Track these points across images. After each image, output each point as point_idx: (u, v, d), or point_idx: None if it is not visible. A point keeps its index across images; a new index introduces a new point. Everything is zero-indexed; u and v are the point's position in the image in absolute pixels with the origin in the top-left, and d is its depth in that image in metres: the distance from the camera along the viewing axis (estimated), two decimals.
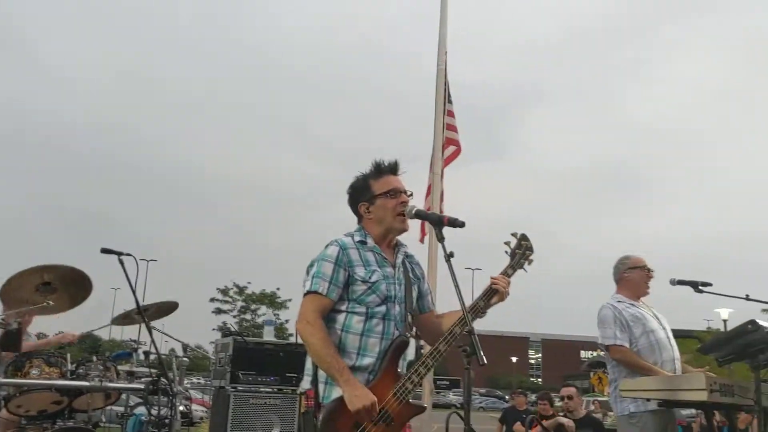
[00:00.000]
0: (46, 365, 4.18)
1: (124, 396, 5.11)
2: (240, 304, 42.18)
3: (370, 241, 2.78)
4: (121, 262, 4.47)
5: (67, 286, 4.35)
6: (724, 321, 23.68)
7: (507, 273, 2.70)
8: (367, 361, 2.61)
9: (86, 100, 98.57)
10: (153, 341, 4.50)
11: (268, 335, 6.28)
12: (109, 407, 4.69)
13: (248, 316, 41.73)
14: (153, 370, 4.49)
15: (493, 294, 2.68)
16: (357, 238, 2.78)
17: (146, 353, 4.74)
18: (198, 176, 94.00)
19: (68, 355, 4.36)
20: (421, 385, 2.82)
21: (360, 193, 2.86)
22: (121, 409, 5.24)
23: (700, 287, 3.99)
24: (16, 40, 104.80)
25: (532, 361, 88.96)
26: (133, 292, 4.49)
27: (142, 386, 4.39)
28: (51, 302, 4.25)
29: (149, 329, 4.50)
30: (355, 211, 2.89)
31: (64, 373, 4.22)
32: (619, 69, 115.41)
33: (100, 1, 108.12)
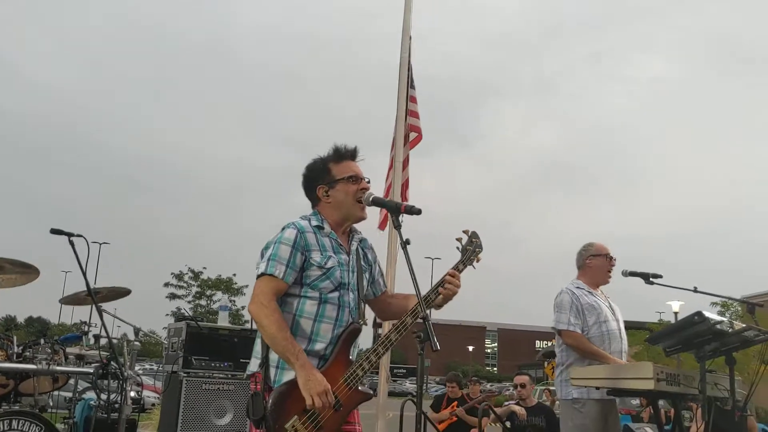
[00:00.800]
0: None
1: (72, 380, 5.01)
2: (195, 289, 41.64)
3: (326, 227, 2.75)
4: (72, 243, 4.38)
5: (15, 268, 4.24)
6: (675, 313, 24.25)
7: (458, 268, 2.70)
8: (319, 346, 2.60)
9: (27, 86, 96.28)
10: (103, 324, 4.41)
11: (223, 321, 6.20)
12: (56, 392, 4.59)
13: (203, 302, 41.24)
14: (104, 354, 4.41)
15: (443, 288, 2.64)
16: (314, 223, 2.75)
17: (96, 336, 4.63)
18: (155, 163, 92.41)
19: (14, 338, 4.25)
20: (372, 373, 2.82)
21: (318, 176, 2.80)
22: (69, 394, 5.13)
23: (650, 279, 4.07)
24: None
25: (489, 351, 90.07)
26: (84, 273, 4.40)
27: (91, 370, 4.31)
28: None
29: (99, 312, 4.42)
30: (310, 194, 2.85)
31: (10, 355, 4.12)
32: (582, 64, 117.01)
33: None
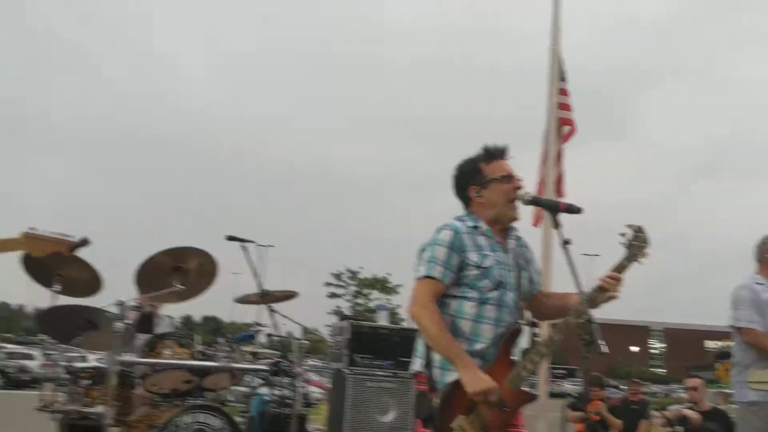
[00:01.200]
0: (178, 346, 4.45)
1: (247, 377, 5.36)
2: (353, 288, 43.10)
3: (482, 225, 2.76)
4: (244, 249, 4.71)
5: (197, 271, 4.59)
6: None
7: (622, 266, 2.58)
8: (480, 346, 2.61)
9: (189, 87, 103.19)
10: (275, 324, 4.70)
11: (383, 319, 6.38)
12: (234, 387, 4.94)
13: (361, 301, 42.57)
14: (275, 352, 4.70)
15: (601, 292, 2.55)
16: (469, 223, 2.76)
17: (268, 335, 4.94)
18: (310, 166, 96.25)
19: (198, 337, 4.62)
20: (535, 373, 2.79)
21: (469, 177, 2.81)
22: (246, 389, 5.50)
23: None
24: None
25: (654, 351, 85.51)
26: (257, 277, 4.72)
27: (265, 367, 4.60)
28: (182, 286, 4.51)
29: (271, 312, 4.70)
30: (461, 195, 2.86)
31: (194, 353, 4.48)
32: (735, 42, 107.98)
33: None
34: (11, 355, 29.58)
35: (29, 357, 28.41)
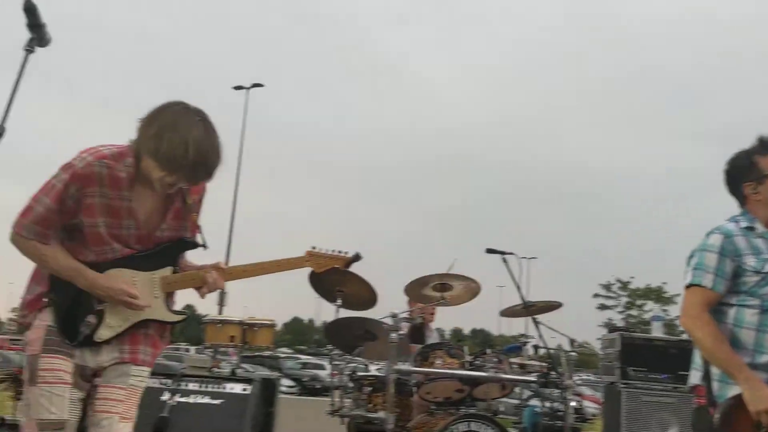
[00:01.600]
0: (448, 356, 4.63)
1: (517, 388, 5.39)
2: (624, 299, 40.89)
3: (758, 227, 2.50)
4: (505, 261, 4.77)
5: (462, 286, 4.76)
6: None
7: None
8: (765, 359, 2.36)
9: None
10: (541, 335, 4.68)
11: (657, 331, 6.00)
12: (504, 398, 5.00)
13: (634, 312, 40.22)
14: (543, 364, 4.68)
15: None
16: (743, 224, 2.52)
17: (535, 347, 4.93)
18: (579, 169, 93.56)
19: (465, 348, 4.77)
20: None
21: (743, 172, 2.57)
22: (515, 400, 5.54)
23: None
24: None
25: None
26: (518, 288, 4.74)
27: (534, 379, 4.59)
28: (446, 299, 4.71)
29: (536, 324, 4.69)
30: (735, 192, 2.62)
31: (464, 363, 4.63)
32: None
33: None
34: (305, 365, 32.89)
35: (320, 367, 31.36)
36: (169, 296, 2.56)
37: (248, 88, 29.99)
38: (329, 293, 4.83)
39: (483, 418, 4.37)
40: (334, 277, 4.35)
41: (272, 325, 5.23)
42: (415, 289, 4.81)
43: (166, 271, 2.54)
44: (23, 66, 2.05)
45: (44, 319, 2.42)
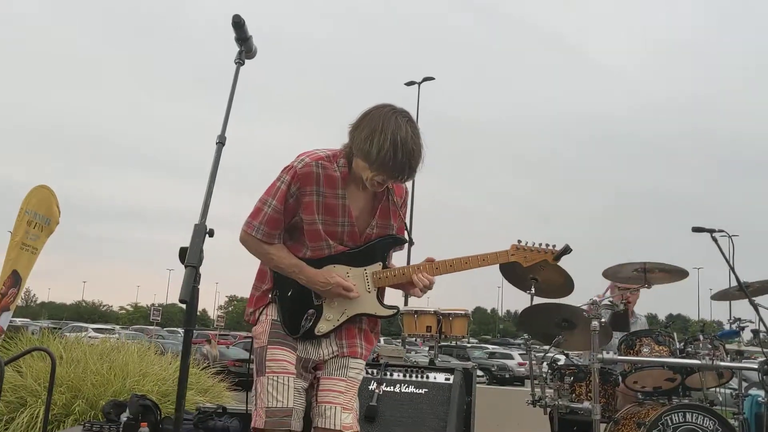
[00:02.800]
0: (656, 343, 4.37)
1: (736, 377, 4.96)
2: None
3: None
4: (715, 240, 4.41)
5: (664, 272, 4.47)
6: None
7: None
8: None
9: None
10: (761, 319, 4.26)
11: None
12: (721, 388, 4.62)
13: None
14: (765, 350, 4.26)
15: None
16: None
17: (754, 332, 4.51)
18: None
19: (674, 334, 4.47)
20: None
21: None
22: (733, 389, 5.09)
23: None
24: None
25: None
26: (731, 268, 4.37)
27: (755, 366, 4.20)
28: (650, 282, 4.43)
29: (755, 306, 4.29)
30: None
31: (673, 351, 4.34)
32: None
33: None
34: (492, 355, 32.80)
35: (508, 356, 31.12)
36: (380, 291, 2.67)
37: (419, 83, 30.39)
38: (522, 281, 4.73)
39: (700, 408, 4.08)
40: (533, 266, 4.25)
41: (466, 315, 5.24)
42: (616, 273, 4.58)
43: (377, 266, 2.65)
44: (236, 78, 2.19)
45: (269, 314, 2.61)
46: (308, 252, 2.59)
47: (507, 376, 28.26)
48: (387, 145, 2.36)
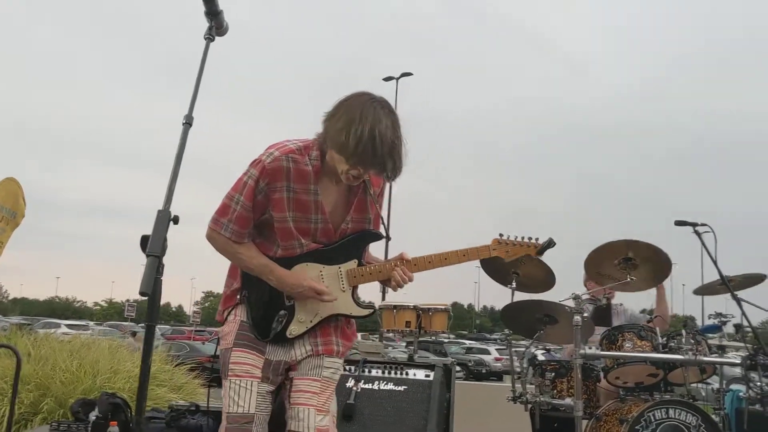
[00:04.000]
0: (638, 338, 4.30)
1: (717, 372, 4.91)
2: None
3: None
4: (697, 234, 4.35)
5: (648, 263, 4.38)
6: None
7: None
8: None
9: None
10: (743, 313, 4.23)
11: None
12: (702, 383, 4.57)
13: None
14: (745, 345, 4.22)
15: None
16: None
17: (737, 326, 4.46)
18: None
19: (657, 329, 4.41)
20: None
21: None
22: (714, 384, 5.05)
23: None
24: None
25: None
26: (715, 263, 4.31)
27: (738, 361, 4.15)
28: (633, 278, 4.35)
29: (737, 301, 4.24)
30: None
31: (656, 346, 4.28)
32: None
33: None
34: (469, 350, 32.84)
35: (485, 352, 31.17)
36: (354, 290, 2.53)
37: (397, 79, 30.25)
38: (503, 276, 4.64)
39: (683, 404, 4.02)
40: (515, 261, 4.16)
41: (447, 310, 5.14)
42: (593, 264, 4.48)
43: (352, 264, 2.51)
44: (205, 55, 2.06)
45: (238, 315, 2.47)
46: (279, 250, 2.44)
47: (484, 371, 28.34)
48: (365, 137, 2.19)
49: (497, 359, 29.42)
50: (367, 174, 2.36)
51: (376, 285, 2.67)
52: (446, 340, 36.46)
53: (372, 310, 2.55)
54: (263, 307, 2.45)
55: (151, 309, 1.62)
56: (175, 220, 1.71)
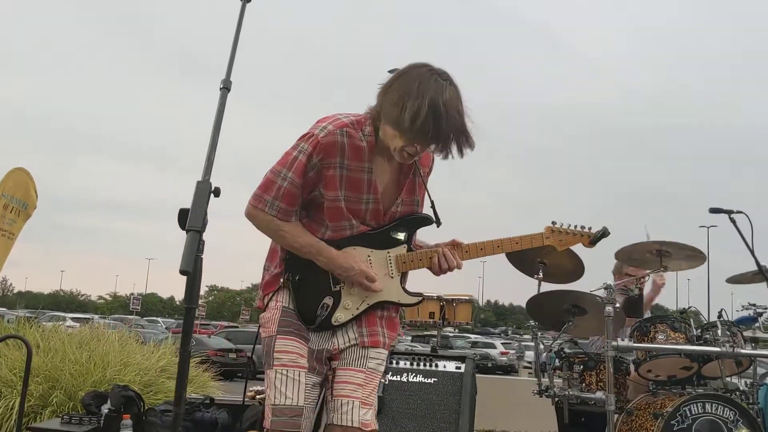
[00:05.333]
0: (672, 330, 4.15)
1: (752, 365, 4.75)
2: None
3: None
4: (733, 221, 4.20)
5: (681, 252, 4.24)
6: None
7: None
8: None
9: None
10: None
11: None
12: (736, 377, 4.42)
13: None
14: None
15: None
16: None
17: None
18: None
19: (691, 321, 4.26)
20: None
21: None
22: (749, 378, 4.89)
23: None
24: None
25: None
26: (751, 250, 4.16)
27: None
28: (667, 267, 4.21)
29: None
30: None
31: (690, 338, 4.13)
32: None
33: None
34: (474, 344, 32.70)
35: (491, 346, 31.04)
36: (404, 276, 2.37)
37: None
38: (529, 266, 4.50)
39: (720, 398, 3.87)
40: (539, 250, 4.01)
41: (471, 301, 5.00)
42: (629, 255, 4.34)
43: (401, 249, 2.34)
44: (241, 16, 1.91)
45: (280, 300, 2.30)
46: (328, 232, 2.26)
47: (489, 365, 28.19)
48: (424, 110, 2.00)
49: (503, 353, 29.24)
50: (429, 153, 2.19)
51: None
52: (451, 334, 36.34)
53: (421, 298, 2.38)
54: (307, 292, 2.28)
55: (191, 290, 1.46)
56: (216, 192, 1.55)
